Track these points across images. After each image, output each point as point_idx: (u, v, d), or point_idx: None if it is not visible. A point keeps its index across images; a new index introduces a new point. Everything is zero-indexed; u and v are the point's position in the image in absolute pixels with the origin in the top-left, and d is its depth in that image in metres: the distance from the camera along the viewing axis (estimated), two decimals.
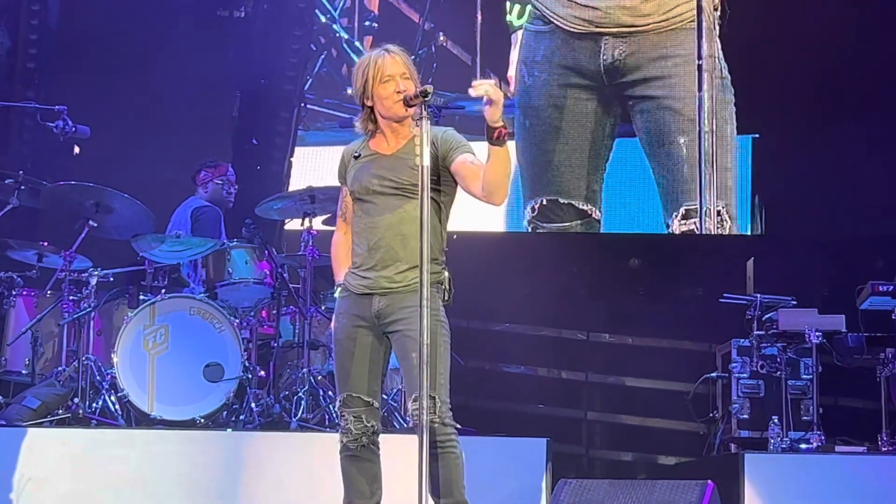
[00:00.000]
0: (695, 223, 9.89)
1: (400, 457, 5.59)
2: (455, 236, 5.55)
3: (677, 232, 9.94)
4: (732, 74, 9.94)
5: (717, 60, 9.93)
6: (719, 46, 9.96)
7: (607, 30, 10.03)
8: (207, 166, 8.97)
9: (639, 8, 10.03)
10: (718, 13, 9.97)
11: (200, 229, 8.57)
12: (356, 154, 5.37)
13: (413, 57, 5.52)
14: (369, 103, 5.30)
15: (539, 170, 10.14)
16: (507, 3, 10.36)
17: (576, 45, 10.08)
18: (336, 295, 5.41)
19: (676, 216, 9.94)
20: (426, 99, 5.03)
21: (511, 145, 9.97)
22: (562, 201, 10.13)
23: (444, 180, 5.26)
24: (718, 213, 9.88)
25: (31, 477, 6.76)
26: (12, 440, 6.86)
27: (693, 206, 9.89)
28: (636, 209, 10.12)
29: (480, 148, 5.31)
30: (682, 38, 9.99)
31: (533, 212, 10.15)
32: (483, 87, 4.96)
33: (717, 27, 9.97)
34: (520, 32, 10.32)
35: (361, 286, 5.27)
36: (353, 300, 5.29)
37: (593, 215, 10.09)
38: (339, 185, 5.50)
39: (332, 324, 5.39)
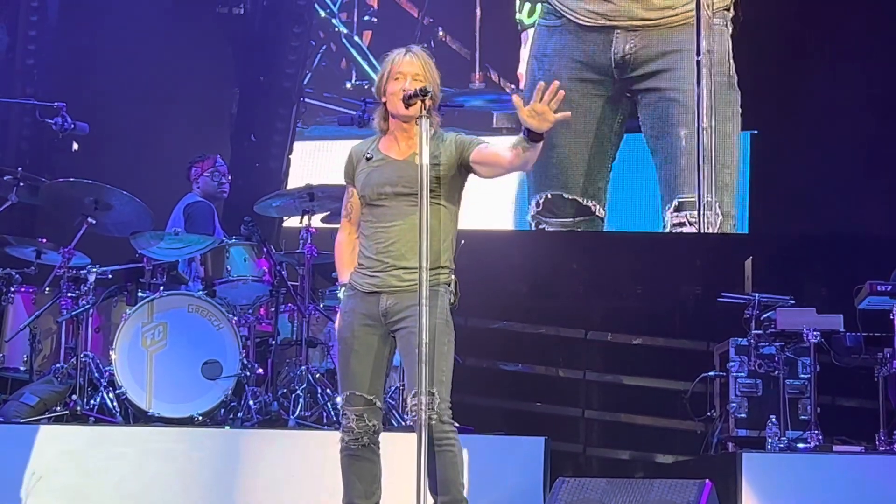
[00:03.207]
0: (686, 216, 9.89)
1: (398, 454, 5.59)
2: (463, 242, 5.55)
3: (670, 224, 9.94)
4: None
5: (726, 57, 9.92)
6: (730, 46, 9.96)
7: (620, 23, 10.04)
8: (196, 162, 8.95)
9: (651, 2, 10.05)
10: (731, 14, 9.96)
11: (193, 225, 8.55)
12: (367, 155, 5.34)
13: None
14: (383, 99, 5.31)
15: (544, 164, 10.13)
16: (518, 2, 10.36)
17: (587, 39, 10.10)
18: (340, 295, 5.39)
19: (670, 208, 9.95)
20: (425, 98, 5.04)
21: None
22: (566, 196, 10.15)
23: (454, 185, 5.27)
24: (710, 207, 9.87)
25: (29, 474, 6.74)
26: (10, 437, 6.86)
27: (686, 199, 9.90)
28: (643, 207, 10.11)
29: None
30: (691, 33, 10.02)
31: (538, 206, 10.16)
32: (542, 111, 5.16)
33: (729, 27, 9.96)
34: (530, 31, 10.33)
35: (370, 284, 5.25)
36: (360, 298, 5.27)
37: (597, 213, 10.09)
38: (340, 183, 5.48)
39: (337, 322, 5.36)
